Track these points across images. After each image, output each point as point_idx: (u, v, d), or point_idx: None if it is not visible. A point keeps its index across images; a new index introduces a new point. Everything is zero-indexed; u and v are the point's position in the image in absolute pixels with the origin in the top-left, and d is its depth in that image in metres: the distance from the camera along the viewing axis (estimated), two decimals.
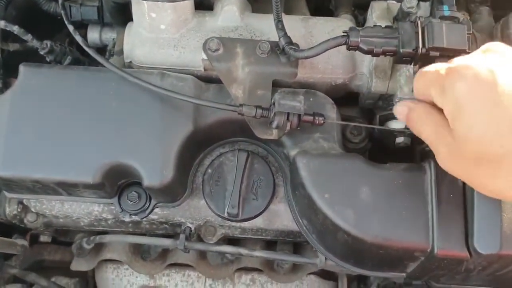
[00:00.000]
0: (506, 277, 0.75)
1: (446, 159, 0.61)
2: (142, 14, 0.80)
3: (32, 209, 0.90)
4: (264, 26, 0.83)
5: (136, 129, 0.76)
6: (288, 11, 0.92)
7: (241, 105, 0.75)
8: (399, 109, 0.68)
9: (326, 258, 0.84)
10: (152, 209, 0.84)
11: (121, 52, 0.89)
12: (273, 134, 0.78)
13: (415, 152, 0.89)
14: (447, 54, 0.70)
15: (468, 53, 0.70)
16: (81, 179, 0.75)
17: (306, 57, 0.74)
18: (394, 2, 0.84)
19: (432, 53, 0.70)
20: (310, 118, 0.75)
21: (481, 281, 0.79)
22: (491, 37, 0.86)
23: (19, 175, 0.76)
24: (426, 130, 0.63)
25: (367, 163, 0.74)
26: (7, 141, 0.75)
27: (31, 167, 0.75)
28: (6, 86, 0.94)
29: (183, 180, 0.84)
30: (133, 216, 0.85)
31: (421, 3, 0.78)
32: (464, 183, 0.71)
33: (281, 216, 0.89)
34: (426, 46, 0.69)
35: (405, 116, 0.67)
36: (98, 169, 0.75)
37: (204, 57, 0.80)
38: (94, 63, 1.01)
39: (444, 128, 0.60)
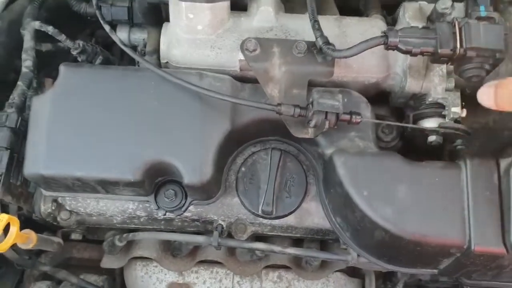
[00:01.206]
0: None
1: None
2: (179, 15, 0.82)
3: (67, 207, 0.91)
4: (298, 26, 0.84)
5: (176, 128, 0.77)
6: (318, 11, 0.93)
7: (279, 104, 0.76)
8: (485, 90, 0.70)
9: (358, 255, 0.85)
10: (188, 206, 0.85)
11: (153, 52, 0.91)
12: (309, 133, 0.80)
13: (444, 152, 0.90)
14: (483, 54, 0.72)
15: (504, 53, 0.72)
16: (122, 176, 0.76)
17: (345, 57, 0.75)
18: (425, 2, 0.85)
19: (470, 53, 0.71)
20: (348, 117, 0.76)
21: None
22: None
23: (62, 174, 0.77)
24: None
25: (404, 161, 0.75)
26: (49, 140, 0.77)
27: (73, 165, 0.76)
28: (40, 85, 0.95)
29: (219, 178, 0.85)
30: (168, 214, 0.86)
31: (455, 4, 0.79)
32: (500, 180, 0.73)
33: (312, 214, 0.90)
34: (464, 47, 0.71)
35: (492, 95, 0.68)
36: (139, 167, 0.76)
37: (241, 57, 0.81)
38: (123, 62, 1.03)
39: None
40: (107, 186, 0.80)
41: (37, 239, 0.82)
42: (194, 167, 0.76)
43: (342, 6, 1.02)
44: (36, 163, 0.76)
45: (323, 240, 1.00)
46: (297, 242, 1.01)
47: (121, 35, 0.99)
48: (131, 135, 0.77)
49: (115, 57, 1.04)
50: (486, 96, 0.70)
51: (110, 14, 0.96)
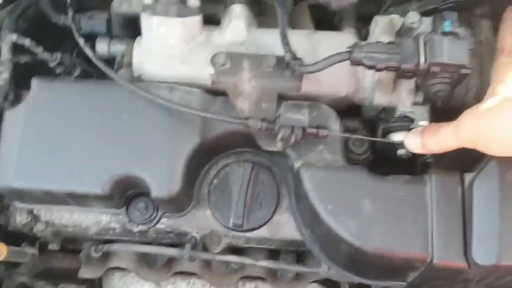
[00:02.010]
0: (503, 287, 0.76)
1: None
2: (151, 29, 0.83)
3: (42, 218, 0.92)
4: (269, 41, 0.85)
5: (145, 141, 0.78)
6: (293, 25, 0.94)
7: (247, 118, 0.77)
8: (411, 137, 0.78)
9: (329, 268, 0.85)
10: (159, 219, 0.86)
11: (130, 64, 0.91)
12: (278, 146, 0.81)
13: (416, 164, 0.91)
14: (447, 69, 0.72)
15: (469, 68, 0.73)
16: (91, 190, 0.77)
17: (311, 72, 0.76)
18: (396, 16, 0.86)
19: (433, 69, 0.72)
20: (314, 131, 0.77)
21: None
22: (491, 51, 0.88)
23: (32, 187, 0.78)
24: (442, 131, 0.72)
25: (369, 175, 0.76)
26: (20, 153, 0.78)
27: (43, 178, 0.78)
28: (17, 98, 0.96)
29: (190, 191, 0.86)
30: (141, 226, 0.87)
31: (423, 18, 0.80)
32: (463, 195, 0.73)
33: (285, 226, 0.90)
34: (428, 62, 0.72)
35: (419, 141, 0.76)
36: (107, 180, 0.77)
37: (212, 71, 0.82)
38: (103, 74, 1.04)
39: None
40: (77, 199, 0.81)
41: (8, 252, 0.83)
42: (162, 180, 0.77)
43: (319, 20, 1.03)
44: (7, 176, 0.78)
45: (300, 252, 1.01)
46: (274, 253, 1.02)
47: (100, 47, 0.99)
48: (100, 148, 0.78)
49: (95, 69, 1.05)
50: (413, 143, 0.76)
51: (89, 26, 0.98)
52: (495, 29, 0.91)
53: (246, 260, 0.89)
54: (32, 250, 0.94)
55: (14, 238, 0.99)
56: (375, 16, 0.87)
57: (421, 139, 0.75)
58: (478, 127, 0.67)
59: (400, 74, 0.74)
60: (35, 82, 0.81)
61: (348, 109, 0.91)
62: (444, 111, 0.89)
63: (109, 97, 0.80)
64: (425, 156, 0.87)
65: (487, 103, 0.67)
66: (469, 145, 0.70)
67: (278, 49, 0.82)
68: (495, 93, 0.67)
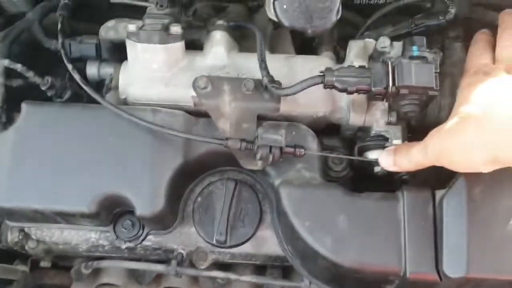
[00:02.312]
0: None
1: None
2: (135, 55, 0.87)
3: (33, 236, 0.95)
4: (250, 65, 0.89)
5: (130, 162, 0.82)
6: (274, 48, 0.99)
7: (227, 138, 0.81)
8: (384, 156, 0.82)
9: (310, 283, 0.88)
10: (145, 236, 0.89)
11: (117, 87, 0.95)
12: (258, 165, 0.84)
13: (394, 180, 0.94)
14: (416, 91, 0.76)
15: (436, 90, 0.76)
16: (77, 209, 0.81)
17: (287, 95, 0.80)
18: (371, 40, 0.90)
19: (402, 91, 0.76)
20: (291, 150, 0.80)
21: None
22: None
23: (21, 206, 0.81)
24: (413, 150, 0.75)
25: (344, 192, 0.79)
26: (10, 174, 0.81)
27: (31, 198, 0.81)
28: (9, 121, 1.00)
29: (174, 209, 0.89)
30: (128, 243, 0.90)
31: (394, 43, 0.84)
32: (434, 211, 0.77)
33: (269, 242, 0.93)
34: (396, 85, 0.75)
35: (391, 160, 0.79)
36: (93, 199, 0.80)
37: (194, 94, 0.86)
38: (92, 97, 1.08)
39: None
40: (66, 218, 0.84)
41: None
42: (145, 199, 0.80)
43: (301, 44, 1.07)
44: None
45: (286, 267, 1.03)
46: (261, 269, 1.05)
47: (91, 70, 1.04)
48: (86, 169, 0.81)
49: (85, 91, 1.08)
50: (386, 161, 0.80)
51: (79, 51, 1.02)
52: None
53: (231, 276, 0.92)
54: (23, 268, 0.97)
55: (7, 256, 1.02)
56: (350, 40, 0.92)
57: (393, 158, 0.79)
58: (442, 146, 0.71)
59: (371, 96, 0.78)
60: (24, 106, 0.85)
61: (328, 128, 0.94)
62: (419, 129, 0.93)
63: (96, 120, 0.84)
64: (401, 173, 0.90)
65: (450, 123, 0.70)
66: (436, 163, 0.73)
67: (258, 73, 0.86)
68: (458, 113, 0.71)
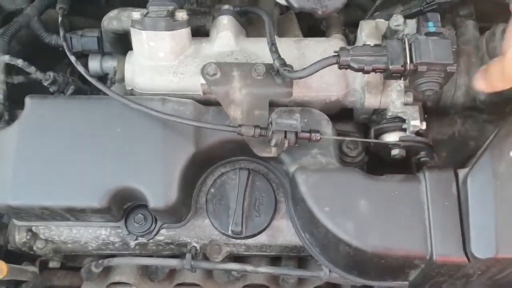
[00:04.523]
0: (505, 280, 0.77)
1: None
2: (141, 43, 0.84)
3: (41, 236, 0.92)
4: (258, 50, 0.87)
5: (140, 153, 0.79)
6: (281, 33, 0.96)
7: (240, 125, 0.78)
8: (478, 75, 0.75)
9: (330, 271, 0.85)
10: (158, 230, 0.86)
11: (122, 80, 0.93)
12: (272, 152, 0.81)
13: (411, 164, 0.91)
14: (434, 68, 0.74)
15: (455, 66, 0.74)
16: (88, 204, 0.78)
17: (300, 78, 0.77)
18: (382, 20, 0.87)
19: (420, 68, 0.73)
20: (307, 135, 0.78)
21: (481, 286, 0.80)
22: (477, 50, 0.89)
23: (28, 204, 0.78)
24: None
25: (364, 175, 0.76)
26: (15, 171, 0.78)
27: (39, 195, 0.78)
28: (12, 118, 0.97)
29: (187, 201, 0.86)
30: (140, 238, 0.87)
31: (407, 20, 0.82)
32: (458, 190, 0.74)
33: (284, 232, 0.91)
34: (414, 62, 0.73)
35: (485, 77, 0.74)
36: (104, 193, 0.77)
37: (203, 81, 0.83)
38: (96, 91, 1.04)
39: None
40: (75, 214, 0.81)
41: (8, 270, 0.83)
42: (159, 191, 0.78)
43: (308, 28, 1.05)
44: (3, 193, 0.78)
45: (301, 257, 1.01)
46: (275, 260, 1.02)
47: (93, 64, 1.01)
48: (95, 162, 0.78)
49: (88, 86, 1.06)
50: (480, 80, 0.74)
51: (80, 44, 0.99)
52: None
53: (248, 268, 0.89)
54: (33, 269, 0.94)
55: (14, 257, 0.99)
56: (361, 21, 0.89)
57: (486, 74, 0.74)
58: None
59: (388, 75, 0.75)
60: (28, 100, 0.82)
61: (340, 113, 0.92)
62: (433, 110, 0.91)
63: (103, 112, 0.81)
64: (419, 155, 0.88)
65: None
66: None
67: (267, 57, 0.84)
68: None
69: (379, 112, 0.87)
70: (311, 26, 1.06)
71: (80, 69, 0.87)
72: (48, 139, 0.79)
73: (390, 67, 0.73)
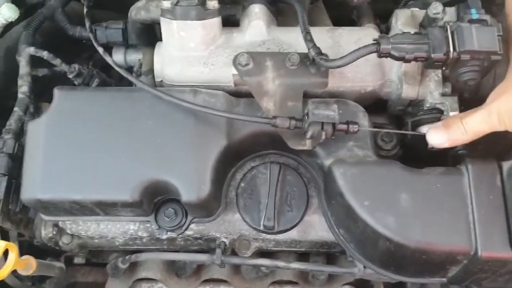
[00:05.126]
0: None
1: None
2: (171, 33, 0.82)
3: (68, 231, 0.91)
4: (291, 39, 0.84)
5: (172, 146, 0.77)
6: (311, 23, 0.93)
7: (274, 117, 0.75)
8: (433, 132, 0.75)
9: (365, 267, 0.83)
10: (189, 225, 0.84)
11: (149, 72, 0.91)
12: (307, 145, 0.79)
13: (447, 158, 0.89)
14: (478, 57, 0.71)
15: (500, 54, 0.71)
16: (119, 198, 0.76)
17: (338, 67, 0.74)
18: (417, 9, 0.85)
19: (463, 57, 0.71)
20: (345, 126, 0.75)
21: None
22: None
23: (58, 198, 0.76)
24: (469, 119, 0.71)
25: (404, 168, 0.74)
26: (45, 164, 0.77)
27: (69, 189, 0.76)
28: (37, 110, 0.95)
29: (218, 195, 0.84)
30: (170, 233, 0.85)
31: (446, 8, 0.79)
32: (503, 183, 0.71)
33: (316, 227, 0.88)
34: (457, 50, 0.70)
35: (444, 135, 0.74)
36: (136, 187, 0.75)
37: (235, 72, 0.81)
38: (121, 84, 1.03)
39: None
40: (105, 208, 0.79)
41: (37, 265, 0.82)
42: (191, 184, 0.75)
43: (336, 18, 1.02)
44: (32, 188, 0.76)
45: (330, 253, 0.98)
46: (303, 256, 1.00)
47: (117, 57, 0.99)
48: (127, 155, 0.76)
49: (112, 79, 1.04)
50: (437, 138, 0.74)
51: (105, 37, 0.97)
52: None
53: (279, 263, 0.87)
54: (60, 264, 0.92)
55: (39, 252, 0.98)
56: (396, 10, 0.86)
57: (445, 133, 0.73)
58: None
59: (430, 64, 0.73)
60: (57, 92, 0.80)
61: (373, 106, 0.89)
62: (471, 101, 0.88)
63: (133, 103, 0.79)
64: (457, 147, 0.85)
65: None
66: (500, 127, 0.69)
67: (300, 47, 0.81)
68: None
69: (415, 104, 0.85)
70: (338, 17, 1.04)
71: (109, 60, 0.85)
72: (78, 131, 0.78)
73: (432, 55, 0.71)
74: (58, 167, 0.77)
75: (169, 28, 0.81)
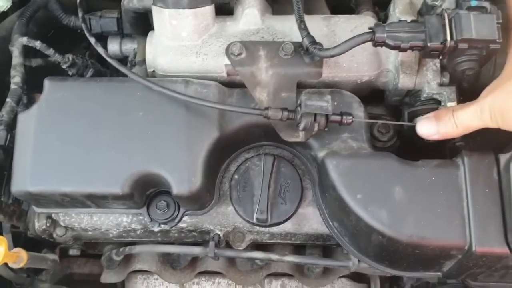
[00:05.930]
0: None
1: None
2: (163, 22, 0.80)
3: (61, 223, 0.90)
4: (285, 28, 0.82)
5: (163, 137, 0.76)
6: (309, 11, 0.91)
7: (266, 108, 0.74)
8: (424, 122, 0.73)
9: (359, 261, 0.82)
10: (181, 217, 0.83)
11: (143, 62, 0.89)
12: (300, 136, 0.77)
13: (445, 149, 0.87)
14: (476, 45, 0.69)
15: (499, 43, 0.69)
16: (110, 190, 0.75)
17: (332, 56, 0.72)
18: None
19: (461, 45, 0.68)
20: (338, 118, 0.73)
21: None
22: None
23: (48, 190, 0.76)
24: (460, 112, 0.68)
25: (399, 161, 0.72)
26: (34, 156, 0.76)
27: (59, 181, 0.75)
28: (30, 101, 0.94)
29: (211, 187, 0.83)
30: (162, 225, 0.84)
31: None
32: (499, 176, 0.69)
33: (310, 220, 0.87)
34: (455, 39, 0.68)
35: (434, 127, 0.71)
36: (126, 179, 0.74)
37: (227, 62, 0.79)
38: (115, 74, 1.02)
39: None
40: (96, 201, 0.79)
41: (28, 258, 0.81)
42: (183, 177, 0.74)
43: (334, 5, 1.00)
44: (23, 180, 0.75)
45: (326, 246, 0.97)
46: (299, 249, 0.99)
47: (112, 47, 0.98)
48: (117, 147, 0.75)
49: (108, 69, 1.03)
50: (427, 129, 0.72)
51: (99, 26, 0.96)
52: None
53: (273, 256, 0.86)
54: (53, 256, 0.92)
55: (34, 244, 0.98)
56: None
57: (435, 124, 0.71)
58: (505, 105, 0.64)
59: (426, 53, 0.70)
60: (47, 82, 0.79)
61: (370, 96, 0.87)
62: (469, 92, 0.86)
63: (124, 94, 0.78)
64: (455, 139, 0.83)
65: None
66: (491, 124, 0.67)
67: (296, 36, 0.79)
68: None
69: (412, 94, 0.82)
70: (337, 5, 1.02)
71: (100, 50, 0.83)
72: (68, 123, 0.77)
73: (429, 44, 0.68)
74: (48, 159, 0.76)
75: (160, 17, 0.80)
